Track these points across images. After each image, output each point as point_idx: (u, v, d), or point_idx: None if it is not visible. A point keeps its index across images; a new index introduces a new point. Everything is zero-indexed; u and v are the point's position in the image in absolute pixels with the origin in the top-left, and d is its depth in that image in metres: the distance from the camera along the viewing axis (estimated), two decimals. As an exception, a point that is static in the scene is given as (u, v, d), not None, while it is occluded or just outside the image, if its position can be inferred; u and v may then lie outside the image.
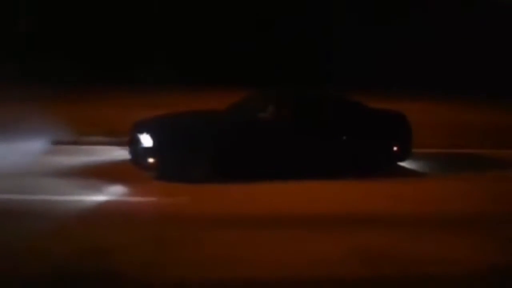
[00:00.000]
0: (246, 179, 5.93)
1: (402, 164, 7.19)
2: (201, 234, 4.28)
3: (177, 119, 6.70)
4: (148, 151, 5.96)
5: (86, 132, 8.39)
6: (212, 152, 6.01)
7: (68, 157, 7.04)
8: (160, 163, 5.93)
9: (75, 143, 7.98)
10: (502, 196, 5.95)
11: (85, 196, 5.33)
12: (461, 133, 9.76)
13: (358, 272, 3.70)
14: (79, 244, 3.96)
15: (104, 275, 3.47)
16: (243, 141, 6.24)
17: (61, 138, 7.91)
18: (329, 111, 6.71)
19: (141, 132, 6.08)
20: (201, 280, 3.47)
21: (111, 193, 5.52)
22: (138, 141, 6.07)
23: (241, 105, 6.96)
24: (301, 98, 6.95)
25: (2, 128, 7.80)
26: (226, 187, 5.80)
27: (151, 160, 5.94)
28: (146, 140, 5.98)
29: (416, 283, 3.65)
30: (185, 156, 5.93)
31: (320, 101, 6.99)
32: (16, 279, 3.39)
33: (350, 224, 4.73)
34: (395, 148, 6.83)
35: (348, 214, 5.06)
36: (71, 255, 3.76)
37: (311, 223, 4.76)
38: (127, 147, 6.48)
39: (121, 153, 6.89)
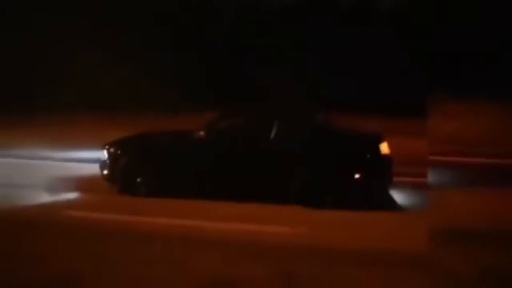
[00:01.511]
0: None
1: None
2: (327, 269, 3.85)
3: (127, 139, 6.84)
4: (104, 164, 6.65)
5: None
6: (143, 170, 6.29)
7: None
8: (110, 176, 6.54)
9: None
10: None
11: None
12: None
13: None
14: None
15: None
16: (174, 159, 6.28)
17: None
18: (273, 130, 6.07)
19: (105, 147, 6.79)
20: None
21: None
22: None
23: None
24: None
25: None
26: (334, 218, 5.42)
27: (105, 172, 6.62)
28: (104, 154, 6.69)
29: None
30: (116, 172, 6.36)
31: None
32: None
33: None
34: (356, 176, 5.83)
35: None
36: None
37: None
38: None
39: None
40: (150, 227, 4.97)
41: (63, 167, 8.59)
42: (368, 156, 5.94)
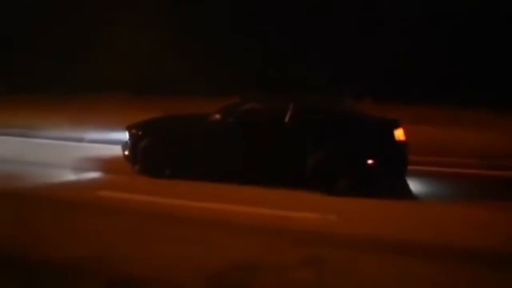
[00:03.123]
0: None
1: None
2: (356, 255, 3.86)
3: (150, 121, 7.07)
4: (125, 145, 6.91)
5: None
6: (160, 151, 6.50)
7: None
8: (131, 156, 6.80)
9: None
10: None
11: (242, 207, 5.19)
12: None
13: None
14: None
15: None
16: (191, 140, 6.46)
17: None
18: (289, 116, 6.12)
19: (127, 129, 7.03)
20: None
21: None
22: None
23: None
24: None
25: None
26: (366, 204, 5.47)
27: (126, 152, 6.88)
28: (126, 136, 6.94)
29: None
30: (140, 152, 6.59)
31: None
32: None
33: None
34: (369, 162, 5.85)
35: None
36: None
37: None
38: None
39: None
40: (183, 210, 5.10)
41: (99, 148, 8.94)
42: (381, 142, 5.92)
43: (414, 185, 6.37)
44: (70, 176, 6.64)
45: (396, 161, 5.90)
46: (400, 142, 5.95)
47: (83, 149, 8.92)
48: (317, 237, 4.30)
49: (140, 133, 6.72)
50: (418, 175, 6.71)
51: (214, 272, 3.45)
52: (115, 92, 14.36)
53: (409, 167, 6.07)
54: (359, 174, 5.80)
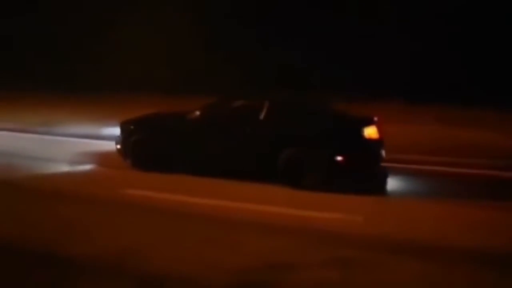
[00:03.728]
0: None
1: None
2: (383, 257, 3.90)
3: (140, 118, 7.42)
4: (117, 139, 7.38)
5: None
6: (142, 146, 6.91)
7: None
8: (123, 150, 7.26)
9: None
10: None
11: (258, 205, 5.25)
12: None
13: None
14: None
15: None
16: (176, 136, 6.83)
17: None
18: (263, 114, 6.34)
19: (120, 125, 7.47)
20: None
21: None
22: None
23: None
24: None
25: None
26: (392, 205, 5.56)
27: (118, 146, 7.35)
28: (118, 131, 7.43)
29: None
30: (128, 147, 7.06)
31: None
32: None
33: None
34: (338, 158, 5.93)
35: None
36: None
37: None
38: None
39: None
40: (206, 208, 5.21)
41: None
42: (349, 139, 6.02)
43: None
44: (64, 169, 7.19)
45: (365, 158, 5.95)
46: (370, 139, 6.00)
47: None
48: (343, 238, 4.31)
49: (131, 128, 7.17)
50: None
51: (242, 271, 3.52)
52: (146, 91, 14.84)
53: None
54: (327, 169, 5.93)
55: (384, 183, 6.36)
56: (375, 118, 6.34)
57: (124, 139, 7.19)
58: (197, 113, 6.69)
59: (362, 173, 6.04)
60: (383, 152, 6.34)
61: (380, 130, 6.23)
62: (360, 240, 4.25)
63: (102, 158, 7.88)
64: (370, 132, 6.04)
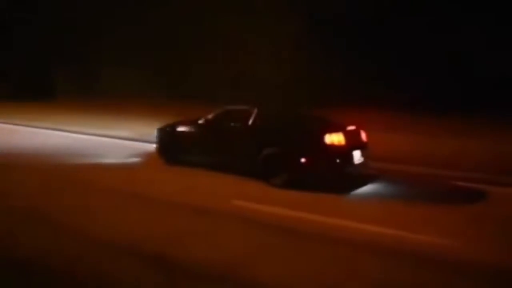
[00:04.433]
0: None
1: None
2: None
3: (171, 124, 9.02)
4: (156, 141, 9.21)
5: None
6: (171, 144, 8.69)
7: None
8: (159, 149, 9.06)
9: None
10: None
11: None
12: None
13: None
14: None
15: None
16: (189, 137, 8.47)
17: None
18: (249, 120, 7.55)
19: (156, 130, 9.30)
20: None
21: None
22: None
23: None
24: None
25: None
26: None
27: (154, 145, 9.17)
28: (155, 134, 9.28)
29: None
30: (163, 146, 8.92)
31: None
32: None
33: None
34: (302, 160, 6.78)
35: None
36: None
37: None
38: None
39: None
40: (305, 223, 5.30)
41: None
42: (312, 144, 6.94)
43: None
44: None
45: (325, 161, 6.72)
46: (333, 145, 6.75)
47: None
48: (439, 262, 4.21)
49: (163, 132, 8.99)
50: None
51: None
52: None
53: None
54: (294, 170, 6.85)
55: (359, 185, 7.04)
56: (350, 127, 7.11)
57: (158, 141, 9.03)
58: (201, 121, 8.25)
59: (324, 174, 6.81)
60: (357, 157, 6.99)
61: (354, 137, 7.13)
62: (462, 267, 4.12)
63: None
64: (335, 138, 6.78)
